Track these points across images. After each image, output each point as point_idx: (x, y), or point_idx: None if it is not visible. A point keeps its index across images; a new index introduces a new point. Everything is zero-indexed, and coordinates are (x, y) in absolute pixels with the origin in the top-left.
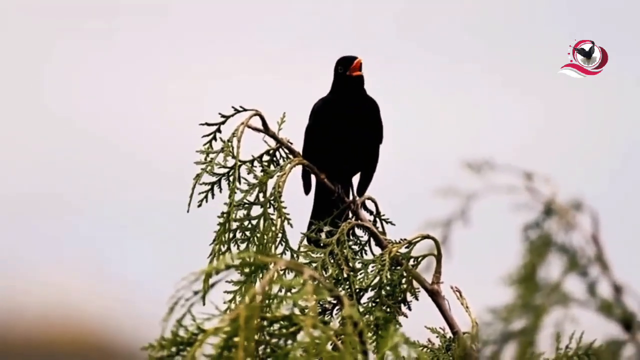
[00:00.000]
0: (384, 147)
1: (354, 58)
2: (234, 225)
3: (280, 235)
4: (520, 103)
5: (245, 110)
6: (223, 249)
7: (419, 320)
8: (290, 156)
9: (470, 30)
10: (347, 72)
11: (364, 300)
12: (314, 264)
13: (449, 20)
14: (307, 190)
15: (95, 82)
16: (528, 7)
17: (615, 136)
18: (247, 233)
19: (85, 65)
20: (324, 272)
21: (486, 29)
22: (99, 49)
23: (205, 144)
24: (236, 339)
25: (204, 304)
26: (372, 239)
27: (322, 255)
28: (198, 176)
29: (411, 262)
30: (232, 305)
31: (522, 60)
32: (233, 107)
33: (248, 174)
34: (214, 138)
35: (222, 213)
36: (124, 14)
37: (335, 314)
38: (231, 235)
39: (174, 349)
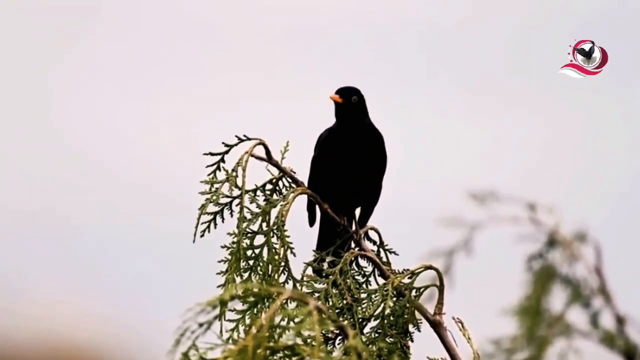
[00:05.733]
0: (388, 177)
1: (346, 88)
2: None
3: (283, 264)
4: (524, 126)
5: (249, 139)
6: (237, 279)
7: (421, 351)
8: (294, 185)
9: (473, 57)
10: (347, 98)
11: (366, 330)
12: (316, 294)
13: (450, 47)
14: (311, 222)
15: (105, 107)
16: (529, 8)
17: (620, 158)
18: (251, 262)
19: (94, 89)
20: (326, 302)
21: (489, 53)
22: (106, 75)
23: (209, 174)
24: None
25: (221, 333)
26: (375, 269)
27: (325, 285)
28: (203, 206)
29: (414, 292)
30: (235, 335)
31: (525, 83)
32: (237, 136)
33: (251, 203)
34: (218, 168)
35: (232, 243)
36: (120, 39)
37: (338, 344)
38: (235, 265)
39: None
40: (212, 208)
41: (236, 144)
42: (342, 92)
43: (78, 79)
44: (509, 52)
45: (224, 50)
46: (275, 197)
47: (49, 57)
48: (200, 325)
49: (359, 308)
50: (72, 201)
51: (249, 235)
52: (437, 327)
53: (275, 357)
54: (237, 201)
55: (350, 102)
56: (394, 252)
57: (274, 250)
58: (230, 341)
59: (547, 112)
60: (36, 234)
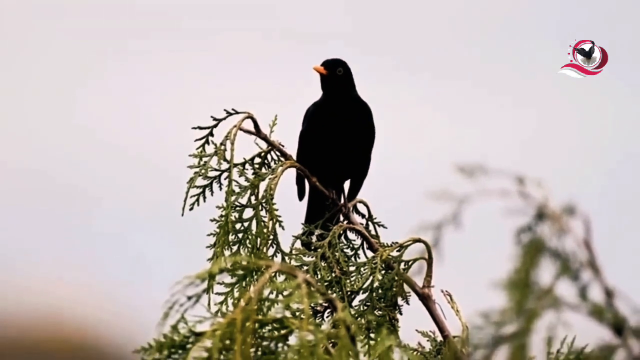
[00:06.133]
0: (377, 150)
1: (331, 60)
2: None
3: (271, 237)
4: (517, 106)
5: (237, 113)
6: (226, 252)
7: (409, 324)
8: (282, 159)
9: (467, 32)
10: (332, 71)
11: (355, 303)
12: (305, 267)
13: (446, 21)
14: (301, 196)
15: (107, 89)
16: (528, 7)
17: (608, 141)
18: (239, 235)
19: (98, 74)
20: (315, 275)
21: (484, 30)
22: (103, 59)
23: (198, 148)
24: (227, 342)
25: (209, 305)
26: (364, 243)
27: (314, 258)
28: (192, 180)
29: (402, 265)
30: (224, 308)
31: (519, 62)
32: (225, 110)
33: (240, 176)
34: (207, 141)
35: (220, 216)
36: (113, 19)
37: (327, 317)
38: (224, 238)
39: (166, 352)
40: (200, 182)
41: (225, 118)
42: (327, 64)
43: (79, 58)
44: (502, 34)
45: (214, 27)
46: (263, 170)
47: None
48: (189, 298)
49: (348, 281)
50: (69, 179)
51: (237, 208)
52: (426, 300)
53: (264, 330)
54: (225, 174)
55: (335, 74)
56: (383, 225)
57: (262, 223)
58: (219, 314)
59: (537, 91)
60: (35, 210)
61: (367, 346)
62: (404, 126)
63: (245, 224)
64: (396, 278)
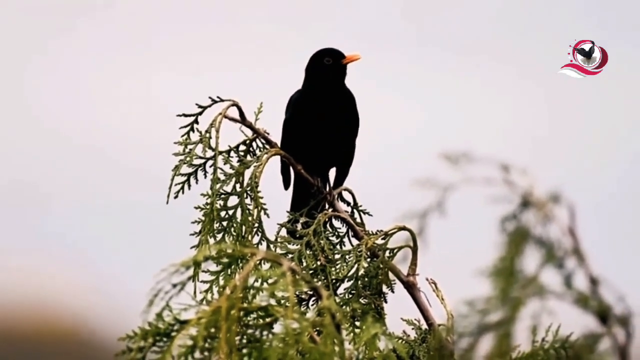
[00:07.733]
0: (363, 138)
1: (338, 51)
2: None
3: (256, 225)
4: (499, 89)
5: (222, 100)
6: (211, 240)
7: (394, 312)
8: (267, 146)
9: (464, 26)
10: (340, 60)
11: (340, 291)
12: (290, 255)
13: (442, 13)
14: (286, 185)
15: (78, 79)
16: (528, 6)
17: (596, 122)
18: (224, 223)
19: (70, 66)
20: (300, 263)
21: (483, 26)
22: (73, 48)
23: (182, 135)
24: (212, 330)
25: (194, 293)
26: (349, 230)
27: (299, 246)
28: (177, 167)
29: (387, 253)
30: (209, 296)
31: (511, 56)
32: (210, 98)
33: (224, 164)
34: (192, 129)
35: (206, 204)
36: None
37: (312, 305)
38: (209, 226)
39: (151, 340)
40: (185, 170)
41: (209, 106)
42: (335, 53)
43: (50, 52)
44: (498, 17)
45: (199, 16)
46: (249, 158)
47: (21, 35)
48: (174, 286)
49: (333, 269)
50: (48, 174)
51: (222, 196)
52: (411, 288)
53: (249, 318)
54: (210, 162)
55: (343, 65)
56: (368, 213)
57: (247, 211)
58: (204, 302)
59: (534, 83)
60: (13, 203)
61: (352, 334)
62: (390, 114)
63: (230, 212)
64: (381, 266)
